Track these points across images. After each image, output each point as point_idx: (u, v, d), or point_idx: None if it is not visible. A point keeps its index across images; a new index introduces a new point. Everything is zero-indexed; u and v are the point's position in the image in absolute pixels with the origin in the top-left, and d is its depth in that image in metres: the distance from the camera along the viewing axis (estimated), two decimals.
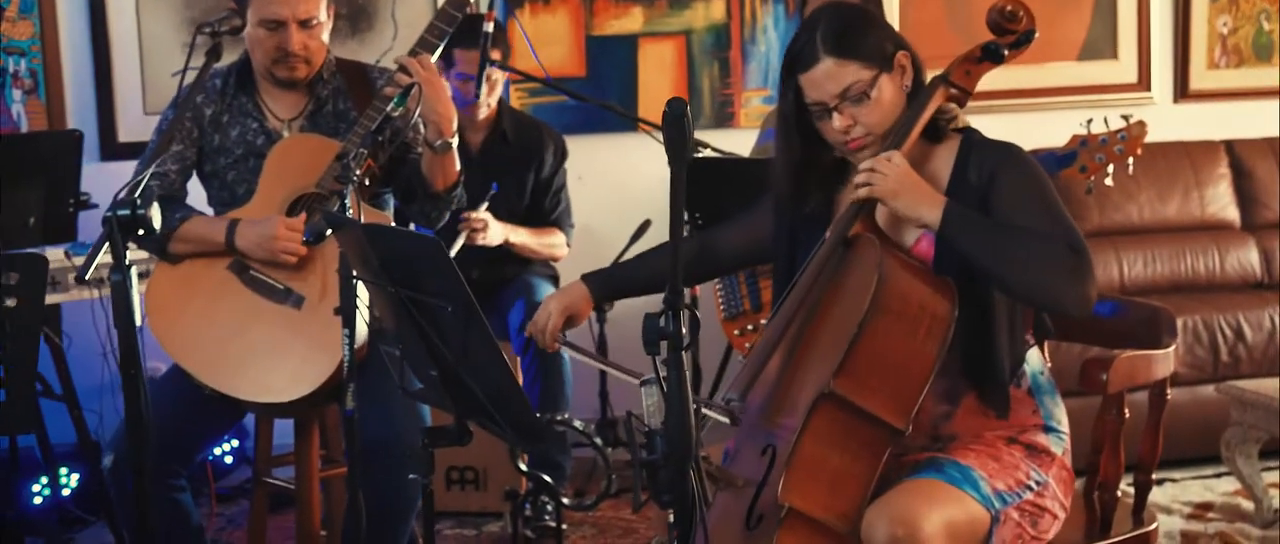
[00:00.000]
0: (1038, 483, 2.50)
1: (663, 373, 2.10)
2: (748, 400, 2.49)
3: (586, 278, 2.85)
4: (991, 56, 2.59)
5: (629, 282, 2.88)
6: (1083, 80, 5.51)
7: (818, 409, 2.34)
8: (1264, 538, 4.14)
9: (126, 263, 2.50)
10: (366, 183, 3.03)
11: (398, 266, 2.39)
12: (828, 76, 2.49)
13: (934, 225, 2.42)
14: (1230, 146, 5.41)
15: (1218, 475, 4.63)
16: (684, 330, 2.04)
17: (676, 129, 2.08)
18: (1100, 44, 5.56)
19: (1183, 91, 5.65)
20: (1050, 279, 2.37)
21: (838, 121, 2.51)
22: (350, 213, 2.83)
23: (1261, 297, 4.98)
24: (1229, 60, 5.65)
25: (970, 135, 2.58)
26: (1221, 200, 5.34)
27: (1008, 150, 2.53)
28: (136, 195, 2.59)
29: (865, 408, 2.35)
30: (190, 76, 3.19)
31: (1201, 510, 4.38)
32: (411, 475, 2.50)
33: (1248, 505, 4.34)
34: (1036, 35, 2.58)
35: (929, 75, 2.59)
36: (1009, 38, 2.58)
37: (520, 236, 4.52)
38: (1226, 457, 4.23)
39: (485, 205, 4.39)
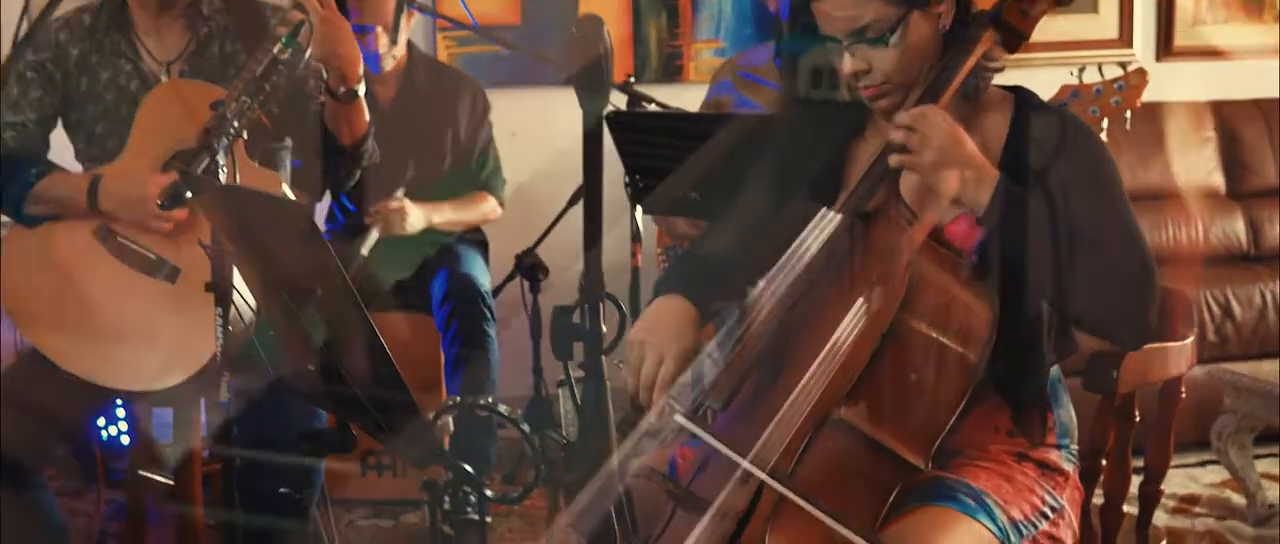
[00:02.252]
0: (1053, 509, 2.14)
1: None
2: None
3: (672, 288, 2.12)
4: None
5: (725, 277, 2.15)
6: (1059, 35, 5.17)
7: (820, 437, 1.92)
8: (1259, 537, 3.82)
9: None
10: (245, 136, 2.60)
11: (259, 238, 1.96)
12: (842, 6, 2.05)
13: (980, 210, 1.98)
14: (1217, 108, 5.14)
15: (1202, 464, 4.33)
16: (604, 328, 1.59)
17: (590, 52, 1.54)
18: None
19: (1166, 48, 5.41)
20: (1119, 304, 1.98)
21: (849, 63, 2.09)
22: (223, 173, 2.42)
23: (1250, 270, 4.75)
24: (1216, 15, 5.40)
25: (1026, 97, 2.16)
26: (1207, 166, 5.08)
27: (1077, 126, 2.10)
28: None
29: (879, 439, 1.93)
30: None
31: (1187, 504, 4.07)
32: (282, 490, 2.07)
33: (1238, 499, 4.04)
34: None
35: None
36: None
37: (444, 215, 4.11)
38: (1217, 447, 3.91)
39: (402, 190, 3.96)
